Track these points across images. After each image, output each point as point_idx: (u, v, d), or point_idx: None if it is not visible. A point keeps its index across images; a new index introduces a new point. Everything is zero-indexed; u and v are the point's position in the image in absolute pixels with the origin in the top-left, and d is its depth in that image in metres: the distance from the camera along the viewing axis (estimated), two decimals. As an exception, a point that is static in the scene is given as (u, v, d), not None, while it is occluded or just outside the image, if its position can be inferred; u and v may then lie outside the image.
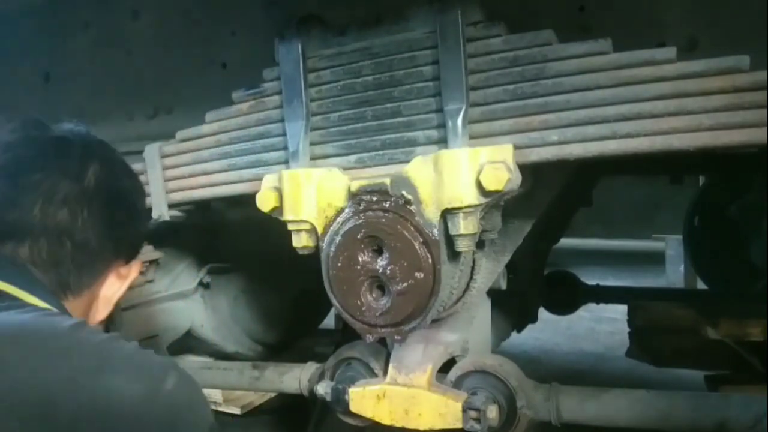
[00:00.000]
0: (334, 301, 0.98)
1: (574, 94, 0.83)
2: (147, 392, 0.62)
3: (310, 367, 1.30)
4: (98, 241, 0.78)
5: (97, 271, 0.80)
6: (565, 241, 2.11)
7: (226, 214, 1.50)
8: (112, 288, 0.83)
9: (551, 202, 1.06)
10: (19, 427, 0.54)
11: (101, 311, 0.83)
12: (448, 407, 1.03)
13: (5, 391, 0.55)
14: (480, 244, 1.01)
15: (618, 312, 2.36)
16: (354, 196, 0.94)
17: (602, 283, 2.30)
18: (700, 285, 2.75)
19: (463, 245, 0.89)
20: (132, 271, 0.86)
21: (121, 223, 0.82)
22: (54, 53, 1.55)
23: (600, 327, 3.73)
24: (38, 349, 0.60)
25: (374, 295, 0.95)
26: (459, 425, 1.03)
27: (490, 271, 1.11)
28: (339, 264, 0.95)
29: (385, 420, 1.08)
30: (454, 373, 1.11)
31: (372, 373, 1.17)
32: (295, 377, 1.31)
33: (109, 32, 1.47)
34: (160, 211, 1.18)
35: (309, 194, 0.97)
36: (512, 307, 1.59)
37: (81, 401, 0.57)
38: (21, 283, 0.70)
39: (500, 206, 0.96)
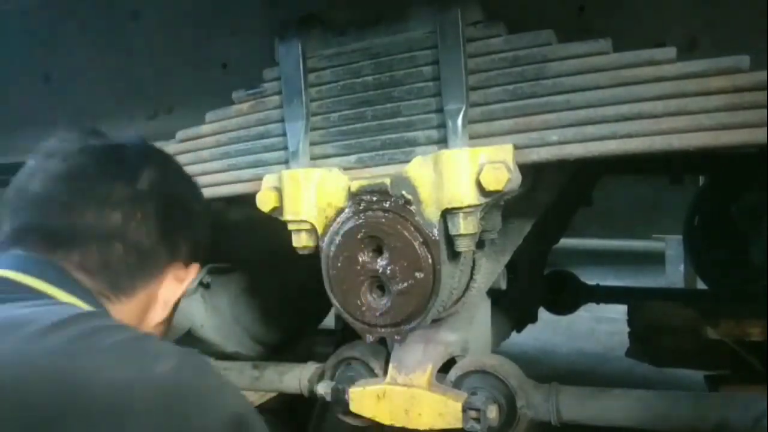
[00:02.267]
0: (334, 301, 0.98)
1: (574, 94, 0.83)
2: (131, 375, 0.55)
3: (310, 367, 1.30)
4: (151, 242, 0.78)
5: (151, 273, 0.80)
6: (565, 241, 2.12)
7: (226, 214, 1.50)
8: (170, 290, 0.83)
9: (551, 202, 1.06)
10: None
11: (159, 313, 0.82)
12: (448, 407, 1.03)
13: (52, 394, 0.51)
14: (480, 244, 1.01)
15: (618, 312, 2.36)
16: (354, 196, 0.94)
17: (602, 283, 2.30)
18: (700, 285, 2.75)
19: (463, 245, 0.89)
20: (189, 274, 0.86)
21: (175, 226, 0.82)
22: (54, 53, 1.55)
23: (600, 327, 3.73)
24: (86, 346, 0.57)
25: (374, 295, 0.95)
26: (459, 425, 1.03)
27: (490, 271, 1.11)
28: (339, 264, 0.95)
29: (385, 420, 1.08)
30: (454, 373, 1.11)
31: (372, 373, 1.17)
32: (295, 377, 1.31)
33: (109, 32, 1.47)
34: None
35: (309, 194, 0.97)
36: (512, 307, 1.59)
37: (51, 386, 0.51)
38: (59, 284, 0.69)
39: (500, 206, 0.96)
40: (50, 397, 0.51)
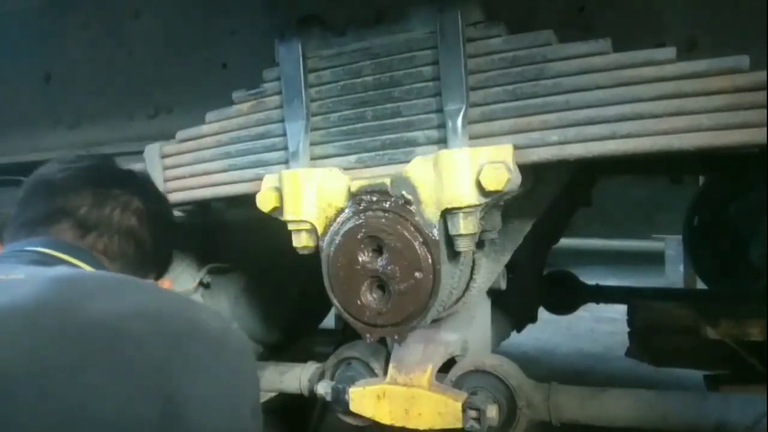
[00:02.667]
0: (334, 301, 0.98)
1: (574, 95, 0.83)
2: (223, 327, 0.74)
3: (310, 367, 1.31)
4: (151, 248, 0.99)
5: (145, 274, 0.98)
6: (565, 241, 2.11)
7: (226, 214, 1.50)
8: None
9: (551, 202, 1.06)
10: (135, 339, 0.63)
11: None
12: (448, 407, 1.04)
13: (120, 310, 0.66)
14: (480, 244, 1.01)
15: (618, 312, 2.36)
16: (354, 196, 0.94)
17: (602, 283, 2.30)
18: (700, 285, 2.75)
19: (463, 245, 0.89)
20: (165, 285, 1.08)
21: (163, 241, 1.03)
22: (54, 53, 1.55)
23: (600, 327, 3.73)
24: (135, 287, 0.73)
25: (374, 295, 0.95)
26: (459, 425, 1.03)
27: (490, 271, 1.11)
28: (339, 264, 0.95)
29: (385, 420, 1.08)
30: (454, 373, 1.11)
31: (372, 373, 1.17)
32: (295, 377, 1.31)
33: (109, 32, 1.47)
34: (161, 211, 1.18)
35: (309, 194, 0.97)
36: (512, 307, 1.59)
37: (178, 322, 0.69)
38: (91, 263, 0.86)
39: (500, 206, 0.96)
40: (177, 324, 0.69)
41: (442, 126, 0.91)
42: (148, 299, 0.71)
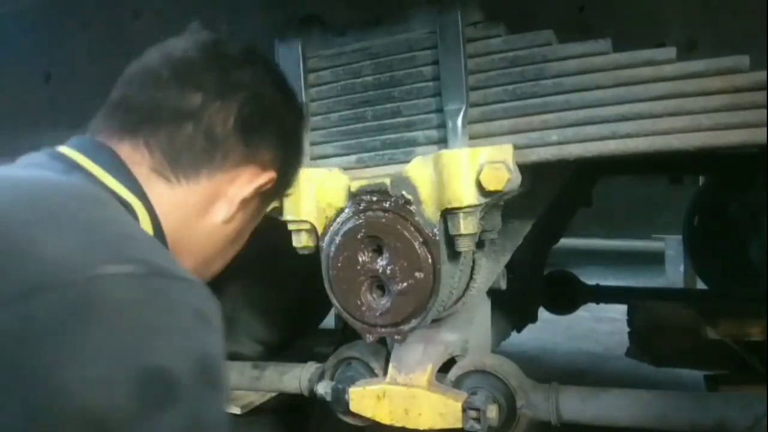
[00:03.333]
0: (334, 301, 0.98)
1: (574, 95, 0.83)
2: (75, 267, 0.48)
3: (310, 367, 1.30)
4: (225, 132, 0.77)
5: (220, 163, 0.77)
6: (565, 241, 2.11)
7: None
8: (240, 188, 0.80)
9: (551, 202, 1.06)
10: None
11: (223, 209, 0.80)
12: (448, 407, 1.03)
13: None
14: (480, 244, 1.01)
15: (618, 312, 2.36)
16: (354, 196, 0.94)
17: (602, 283, 2.30)
18: (700, 285, 2.75)
19: (463, 245, 0.90)
20: (261, 177, 0.81)
21: (257, 124, 0.80)
22: (54, 53, 1.55)
23: (600, 327, 3.73)
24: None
25: (374, 295, 0.95)
26: (459, 425, 1.03)
27: (490, 271, 1.11)
28: (339, 264, 0.95)
29: (385, 420, 1.08)
30: (454, 373, 1.11)
31: (372, 373, 1.17)
32: (295, 377, 1.30)
33: (109, 32, 1.47)
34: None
35: (309, 194, 0.97)
36: (512, 307, 1.59)
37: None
38: (106, 166, 0.70)
39: (500, 206, 0.96)
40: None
41: (442, 126, 0.91)
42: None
